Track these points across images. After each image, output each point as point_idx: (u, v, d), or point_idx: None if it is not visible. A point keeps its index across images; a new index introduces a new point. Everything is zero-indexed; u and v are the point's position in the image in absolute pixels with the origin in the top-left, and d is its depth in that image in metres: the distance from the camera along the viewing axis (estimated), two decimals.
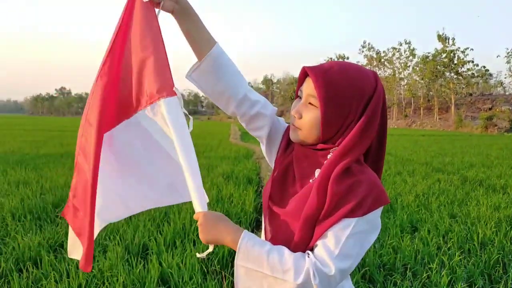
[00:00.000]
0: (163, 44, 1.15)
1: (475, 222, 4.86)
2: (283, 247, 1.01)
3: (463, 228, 4.63)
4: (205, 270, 3.35)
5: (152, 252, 3.64)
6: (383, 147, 1.11)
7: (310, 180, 1.08)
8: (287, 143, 1.22)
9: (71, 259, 3.40)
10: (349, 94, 1.01)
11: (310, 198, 1.01)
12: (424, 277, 3.35)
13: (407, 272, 3.46)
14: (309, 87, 1.05)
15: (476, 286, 3.25)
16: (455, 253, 3.79)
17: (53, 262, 3.38)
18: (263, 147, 1.32)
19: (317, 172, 1.07)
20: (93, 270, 3.23)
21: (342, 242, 0.95)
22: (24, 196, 5.65)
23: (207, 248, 1.12)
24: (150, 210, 4.91)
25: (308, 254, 0.98)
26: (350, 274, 1.10)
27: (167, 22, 1.24)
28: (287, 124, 1.29)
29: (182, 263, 3.36)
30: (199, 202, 1.09)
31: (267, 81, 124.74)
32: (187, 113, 1.16)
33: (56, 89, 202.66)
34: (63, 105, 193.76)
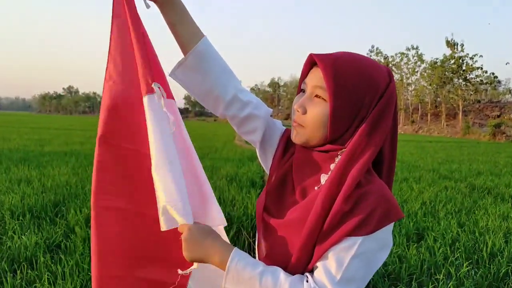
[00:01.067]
0: (143, 37, 1.07)
1: (484, 232, 4.73)
2: (279, 269, 0.89)
3: (471, 237, 4.51)
4: None
5: None
6: (394, 152, 0.98)
7: (316, 188, 0.95)
8: (285, 148, 1.10)
9: (67, 261, 3.32)
10: (362, 87, 0.88)
11: (315, 208, 0.88)
12: None
13: (413, 282, 3.34)
14: (315, 78, 0.92)
15: None
16: (463, 264, 3.67)
17: (49, 263, 3.30)
18: (258, 152, 1.19)
19: (323, 178, 0.94)
20: (89, 273, 3.15)
21: (345, 264, 0.83)
22: (24, 194, 5.60)
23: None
24: None
25: (307, 278, 0.86)
26: None
27: (153, 15, 1.14)
28: (284, 127, 1.17)
29: None
30: (184, 212, 0.96)
31: (273, 84, 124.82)
32: (168, 113, 1.03)
33: (64, 88, 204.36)
34: (71, 103, 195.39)
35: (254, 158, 11.95)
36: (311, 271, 0.89)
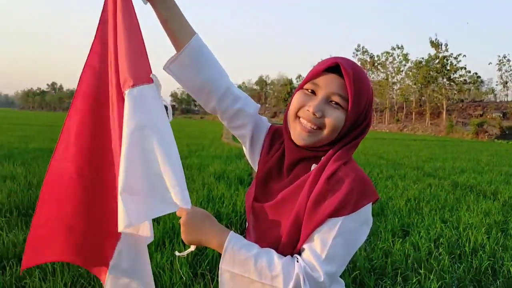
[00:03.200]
0: (140, 31, 1.10)
1: (466, 227, 4.86)
2: (272, 250, 0.96)
3: (455, 233, 4.63)
4: (191, 273, 3.29)
5: None
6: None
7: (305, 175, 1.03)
8: (271, 143, 1.17)
9: None
10: (367, 98, 1.00)
11: (302, 193, 0.96)
12: (415, 282, 3.32)
13: (398, 277, 3.43)
14: (334, 85, 0.97)
15: None
16: (446, 259, 3.77)
17: None
18: (245, 148, 1.24)
19: (313, 167, 1.02)
20: (79, 269, 3.15)
21: (329, 244, 0.91)
22: (11, 191, 5.54)
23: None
24: None
25: (297, 259, 0.94)
26: (342, 278, 1.06)
27: (147, 13, 1.18)
28: (269, 124, 1.23)
29: (170, 263, 3.30)
30: (181, 197, 1.00)
31: (261, 82, 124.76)
32: (166, 102, 1.08)
33: (47, 84, 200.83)
34: (55, 100, 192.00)
35: (242, 155, 11.98)
36: (299, 253, 0.96)
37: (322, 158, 1.01)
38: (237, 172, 8.09)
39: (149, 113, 1.05)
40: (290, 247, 0.97)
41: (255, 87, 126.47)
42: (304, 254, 0.93)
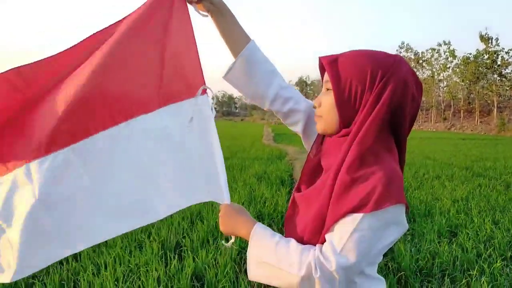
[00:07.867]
0: (194, 42, 1.18)
1: None
2: (292, 239, 1.03)
3: (506, 235, 4.43)
4: (238, 269, 3.37)
5: (186, 249, 3.70)
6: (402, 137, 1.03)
7: None
8: (321, 137, 1.21)
9: (109, 253, 3.50)
10: (358, 76, 0.97)
11: (325, 188, 0.99)
12: (464, 283, 3.22)
13: (445, 278, 3.34)
14: (326, 75, 1.05)
15: None
16: (497, 260, 3.63)
17: (92, 255, 3.49)
18: (303, 142, 1.35)
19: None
20: (129, 265, 3.32)
21: (346, 237, 0.92)
22: None
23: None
24: (183, 209, 4.98)
25: (315, 248, 0.98)
26: (387, 278, 1.07)
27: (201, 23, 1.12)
28: None
29: (215, 260, 3.40)
30: (224, 195, 1.18)
31: (301, 83, 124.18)
32: (213, 110, 1.23)
33: None
34: None
35: (282, 156, 12.03)
36: (323, 243, 0.99)
37: (342, 147, 1.00)
38: (277, 173, 8.14)
39: (208, 120, 1.21)
40: (316, 237, 1.00)
41: (295, 88, 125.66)
42: (324, 244, 0.97)
